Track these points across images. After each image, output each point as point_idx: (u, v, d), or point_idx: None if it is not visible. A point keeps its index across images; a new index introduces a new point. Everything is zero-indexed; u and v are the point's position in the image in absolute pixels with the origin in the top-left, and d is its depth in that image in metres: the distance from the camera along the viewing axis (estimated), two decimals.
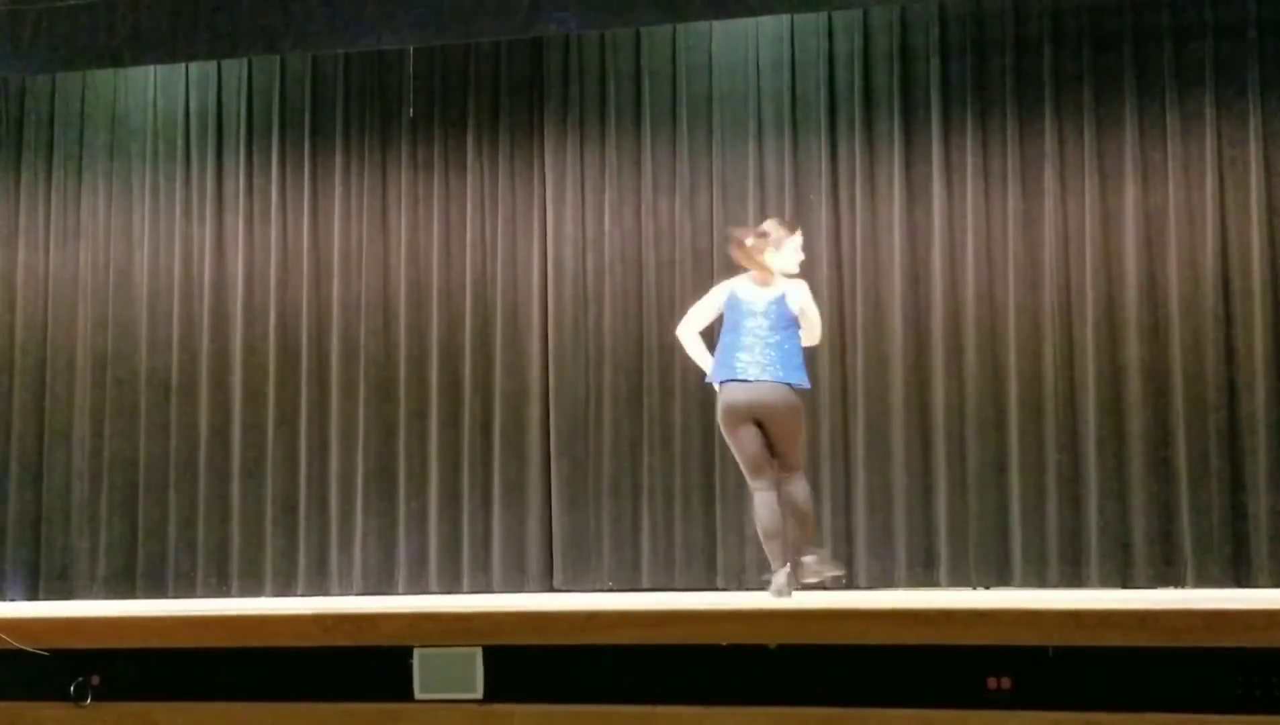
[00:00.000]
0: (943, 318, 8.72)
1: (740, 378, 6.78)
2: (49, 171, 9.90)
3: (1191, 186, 8.49)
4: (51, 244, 9.86)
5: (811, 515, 6.96)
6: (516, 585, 9.01)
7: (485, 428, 9.25)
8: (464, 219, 9.45)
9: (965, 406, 8.64)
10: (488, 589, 9.05)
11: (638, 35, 9.27)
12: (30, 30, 8.67)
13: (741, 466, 6.88)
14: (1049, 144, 8.68)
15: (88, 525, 9.54)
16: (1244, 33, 8.48)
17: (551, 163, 9.34)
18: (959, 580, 8.53)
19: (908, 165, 8.86)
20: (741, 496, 8.78)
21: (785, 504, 6.76)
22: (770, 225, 7.14)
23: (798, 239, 7.10)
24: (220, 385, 9.57)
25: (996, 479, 8.58)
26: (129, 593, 9.37)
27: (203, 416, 9.54)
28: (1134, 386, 8.45)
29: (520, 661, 5.33)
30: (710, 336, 7.17)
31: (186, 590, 9.34)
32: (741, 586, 8.67)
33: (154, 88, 9.83)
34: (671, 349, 8.97)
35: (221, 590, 9.33)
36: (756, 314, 6.85)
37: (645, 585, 8.87)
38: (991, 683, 4.92)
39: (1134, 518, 8.36)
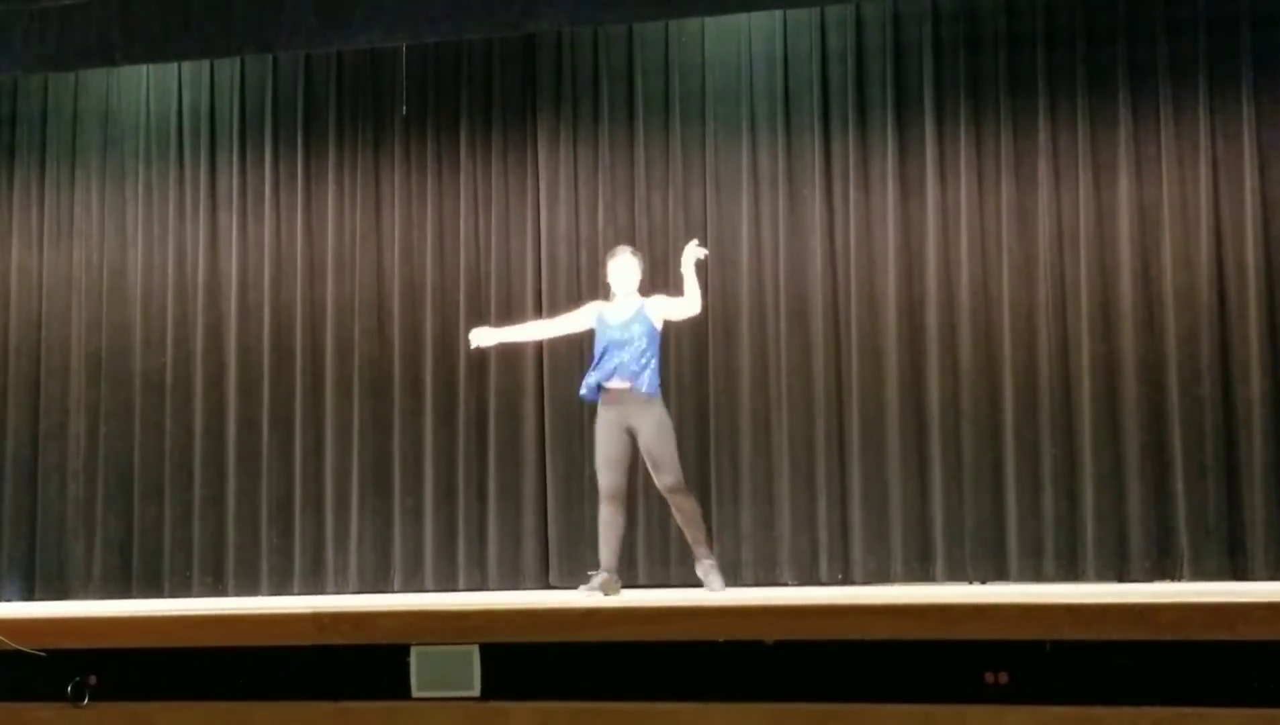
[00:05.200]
0: (937, 312, 8.72)
1: None
2: (42, 171, 9.89)
3: (1185, 179, 8.50)
4: (45, 243, 9.85)
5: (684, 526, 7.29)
6: (513, 583, 9.01)
7: (480, 425, 9.25)
8: (457, 216, 9.44)
9: (960, 401, 8.65)
10: (484, 586, 9.05)
11: (630, 32, 9.27)
12: (23, 30, 8.65)
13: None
14: (1042, 138, 8.68)
15: (83, 525, 9.54)
16: (1237, 26, 8.49)
17: (545, 160, 9.34)
18: (955, 575, 8.53)
19: (901, 160, 8.86)
20: (736, 492, 8.80)
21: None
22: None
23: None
24: (214, 384, 9.56)
25: (992, 473, 8.58)
26: (125, 592, 9.37)
27: (197, 415, 9.53)
28: (1129, 380, 8.45)
29: (517, 659, 5.33)
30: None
31: (182, 589, 9.34)
32: (737, 582, 8.67)
33: (147, 87, 9.82)
34: (665, 346, 8.98)
35: (217, 589, 9.32)
36: None
37: (641, 582, 8.87)
38: (989, 677, 4.92)
39: (1130, 511, 8.37)
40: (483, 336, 7.60)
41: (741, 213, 9.06)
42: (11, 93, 9.91)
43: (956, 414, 8.65)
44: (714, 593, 7.04)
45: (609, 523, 7.17)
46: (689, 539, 7.27)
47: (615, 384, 7.17)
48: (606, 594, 6.92)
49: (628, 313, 7.29)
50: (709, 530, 7.55)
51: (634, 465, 7.27)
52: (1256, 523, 8.18)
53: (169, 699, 5.58)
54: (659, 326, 7.31)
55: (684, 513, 7.21)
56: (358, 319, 9.43)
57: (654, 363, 7.22)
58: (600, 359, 7.23)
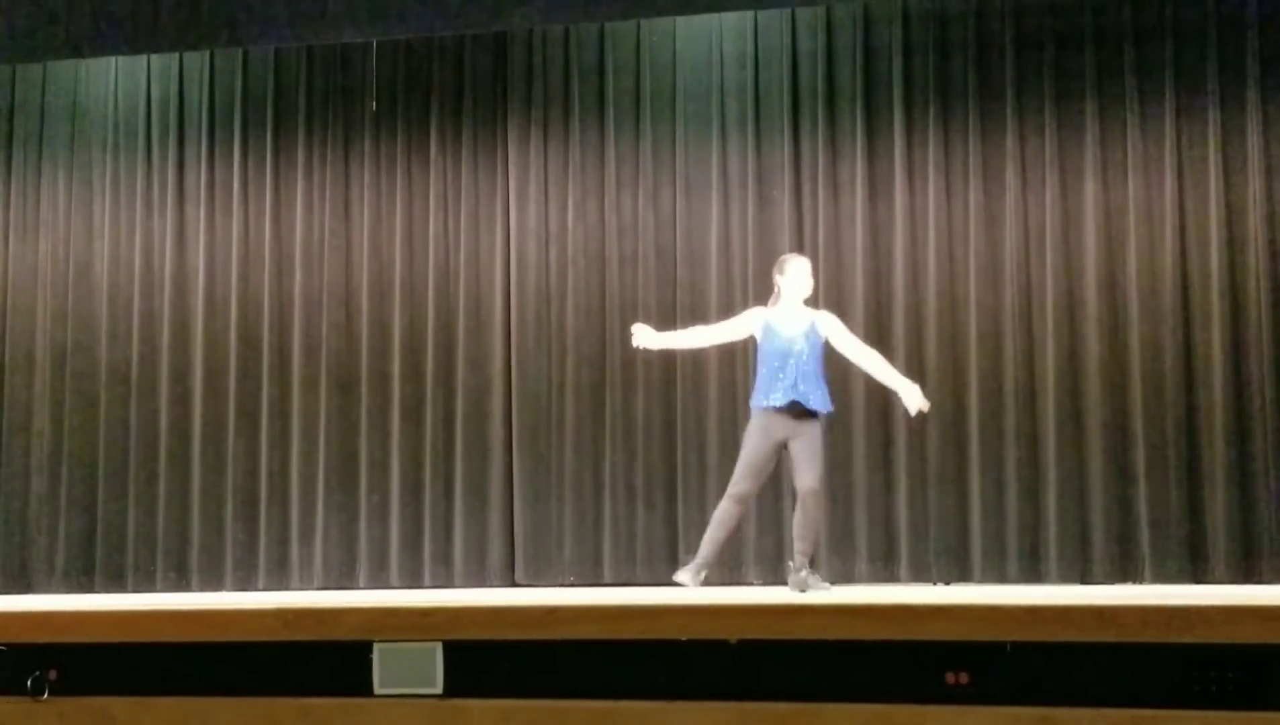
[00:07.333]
0: (904, 314, 8.76)
1: None
2: (8, 162, 9.83)
3: (1151, 185, 8.55)
4: (10, 236, 9.79)
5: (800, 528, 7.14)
6: (478, 580, 9.01)
7: (447, 422, 9.24)
8: (427, 213, 9.43)
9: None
10: (449, 584, 9.04)
11: (601, 30, 9.28)
12: None
13: None
14: (1010, 142, 8.72)
15: (46, 519, 9.48)
16: (1204, 34, 8.55)
17: (515, 157, 9.34)
18: (919, 576, 8.57)
19: (870, 162, 8.89)
20: (703, 492, 8.81)
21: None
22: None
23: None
24: (180, 379, 9.52)
25: (957, 475, 8.62)
26: (87, 587, 9.33)
27: (163, 410, 9.49)
28: (1093, 383, 8.50)
29: (480, 657, 5.32)
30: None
31: (146, 584, 9.29)
32: (704, 582, 8.67)
33: (115, 79, 9.77)
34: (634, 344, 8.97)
35: (181, 584, 9.28)
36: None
37: (607, 580, 8.88)
38: (950, 678, 4.94)
39: (1092, 514, 8.42)
40: (646, 337, 7.42)
41: (710, 212, 9.07)
42: None
43: (922, 415, 8.66)
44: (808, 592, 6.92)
45: (726, 522, 7.14)
46: (797, 537, 7.12)
47: (787, 401, 7.06)
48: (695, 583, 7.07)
49: (801, 325, 7.20)
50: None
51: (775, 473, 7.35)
52: (1217, 526, 8.24)
53: (129, 694, 5.55)
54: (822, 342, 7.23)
55: (811, 516, 7.11)
56: (325, 314, 9.41)
57: (822, 380, 7.15)
58: (779, 373, 7.08)
